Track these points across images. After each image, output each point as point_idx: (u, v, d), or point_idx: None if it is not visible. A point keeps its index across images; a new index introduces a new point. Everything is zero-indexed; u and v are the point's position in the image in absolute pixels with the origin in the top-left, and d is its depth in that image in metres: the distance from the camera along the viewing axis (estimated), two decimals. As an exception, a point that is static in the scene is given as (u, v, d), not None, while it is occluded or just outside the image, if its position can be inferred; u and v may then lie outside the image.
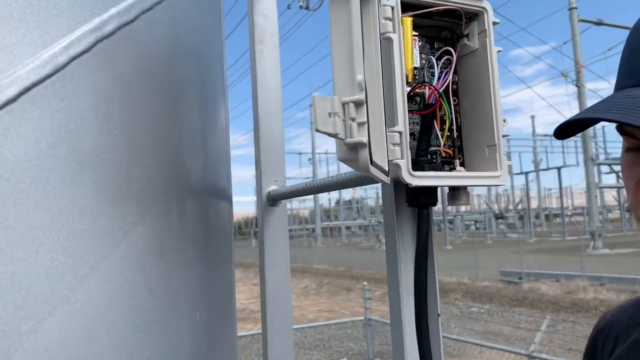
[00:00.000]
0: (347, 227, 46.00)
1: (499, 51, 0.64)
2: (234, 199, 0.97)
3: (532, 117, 40.70)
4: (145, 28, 0.55)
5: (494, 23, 0.64)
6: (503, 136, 0.62)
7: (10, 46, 0.44)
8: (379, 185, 0.69)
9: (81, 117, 0.48)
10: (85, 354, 0.46)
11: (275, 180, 1.04)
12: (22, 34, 0.45)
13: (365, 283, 8.29)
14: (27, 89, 0.44)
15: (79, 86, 0.48)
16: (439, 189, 0.63)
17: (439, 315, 0.66)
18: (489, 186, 0.62)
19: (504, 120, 0.63)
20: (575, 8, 20.92)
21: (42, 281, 0.44)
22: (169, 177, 0.57)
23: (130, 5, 0.52)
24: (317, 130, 0.45)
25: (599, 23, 21.06)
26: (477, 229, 44.98)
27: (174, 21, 0.60)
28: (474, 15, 0.64)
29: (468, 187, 0.64)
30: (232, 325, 0.76)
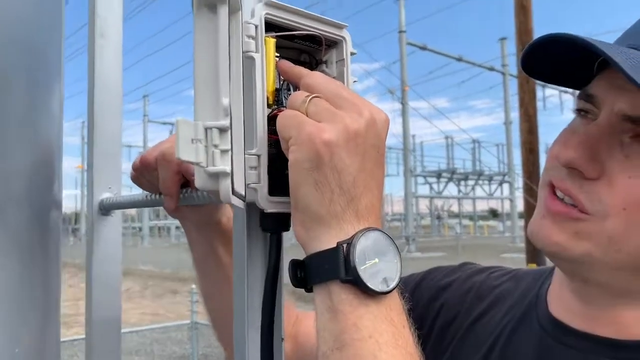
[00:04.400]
0: (177, 227, 44.64)
1: (354, 81, 0.65)
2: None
3: (361, 128, 43.35)
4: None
5: (352, 53, 0.65)
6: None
7: None
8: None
9: None
10: None
11: (110, 187, 0.95)
12: None
13: (193, 286, 8.10)
14: None
15: None
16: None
17: (282, 339, 0.65)
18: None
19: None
20: (404, 31, 22.82)
21: None
22: None
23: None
24: (178, 159, 0.41)
25: (424, 48, 23.25)
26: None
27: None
28: (333, 43, 0.65)
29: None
30: (55, 352, 0.67)
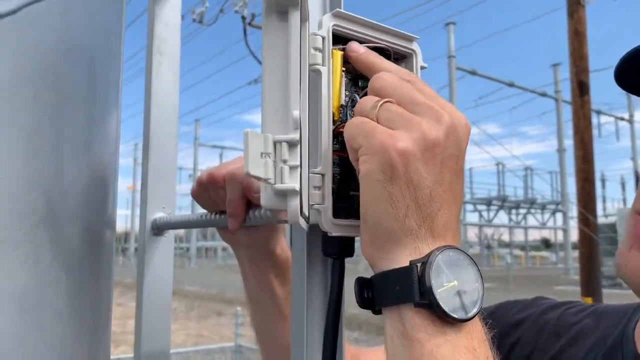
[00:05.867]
0: (224, 249, 45.08)
1: (424, 97, 0.61)
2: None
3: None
4: (28, 22, 0.44)
5: (422, 67, 0.61)
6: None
7: None
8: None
9: None
10: None
11: (164, 207, 0.93)
12: None
13: (238, 308, 8.09)
14: None
15: None
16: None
17: (343, 373, 0.60)
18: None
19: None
20: (454, 56, 22.63)
21: None
22: (47, 188, 0.46)
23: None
24: (247, 175, 0.38)
25: (473, 73, 22.97)
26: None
27: (65, 16, 0.50)
28: (402, 57, 0.61)
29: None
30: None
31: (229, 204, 0.70)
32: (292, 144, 0.41)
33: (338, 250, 0.55)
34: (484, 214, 34.23)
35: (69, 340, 0.51)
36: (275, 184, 0.40)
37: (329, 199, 0.51)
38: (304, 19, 0.51)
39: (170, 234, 0.93)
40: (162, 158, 0.93)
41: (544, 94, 28.59)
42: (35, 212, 0.46)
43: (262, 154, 0.39)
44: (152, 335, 0.86)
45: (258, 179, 0.39)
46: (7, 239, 0.43)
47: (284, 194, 0.41)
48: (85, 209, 0.55)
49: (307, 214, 0.48)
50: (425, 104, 0.49)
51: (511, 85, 25.12)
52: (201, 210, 0.83)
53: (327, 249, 0.55)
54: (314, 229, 0.55)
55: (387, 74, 0.52)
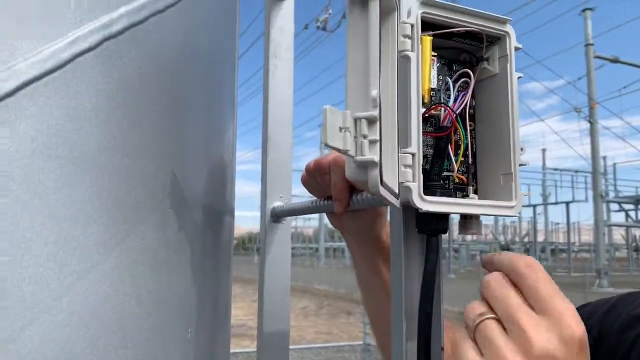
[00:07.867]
0: (351, 249, 45.43)
1: (519, 77, 0.61)
2: (240, 213, 0.95)
3: (543, 150, 40.55)
4: (155, 30, 0.52)
5: (516, 48, 0.61)
6: (520, 165, 0.60)
7: (11, 37, 0.42)
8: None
9: (81, 117, 0.45)
10: (65, 368, 0.43)
11: (281, 197, 1.01)
12: (24, 26, 0.42)
13: (365, 307, 8.17)
14: (26, 84, 0.41)
15: (81, 85, 0.45)
16: (450, 217, 0.60)
17: (442, 349, 0.62)
18: (502, 216, 0.60)
19: (522, 149, 0.61)
20: (592, 44, 20.96)
21: (25, 287, 0.41)
22: (170, 186, 0.54)
23: (142, 6, 0.50)
24: (326, 145, 0.43)
25: (615, 60, 21.08)
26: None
27: (185, 25, 0.58)
28: (495, 39, 0.62)
29: (480, 217, 0.61)
30: (226, 343, 0.72)
31: (334, 187, 0.76)
32: (371, 121, 0.45)
33: (431, 226, 0.57)
34: (632, 213, 31.18)
35: (194, 297, 0.59)
36: (355, 156, 0.45)
37: (418, 177, 0.54)
38: (392, 8, 0.54)
39: (288, 220, 1.00)
40: (278, 152, 1.01)
41: (702, 79, 25.40)
42: (164, 188, 0.54)
43: (340, 128, 0.43)
44: (274, 305, 0.94)
45: (338, 150, 0.43)
46: (142, 207, 0.52)
47: (364, 166, 0.45)
48: (205, 192, 0.63)
49: (396, 190, 0.52)
50: (518, 328, 0.46)
51: (661, 70, 22.63)
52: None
53: (420, 225, 0.58)
54: (409, 209, 0.58)
55: (493, 277, 0.52)
